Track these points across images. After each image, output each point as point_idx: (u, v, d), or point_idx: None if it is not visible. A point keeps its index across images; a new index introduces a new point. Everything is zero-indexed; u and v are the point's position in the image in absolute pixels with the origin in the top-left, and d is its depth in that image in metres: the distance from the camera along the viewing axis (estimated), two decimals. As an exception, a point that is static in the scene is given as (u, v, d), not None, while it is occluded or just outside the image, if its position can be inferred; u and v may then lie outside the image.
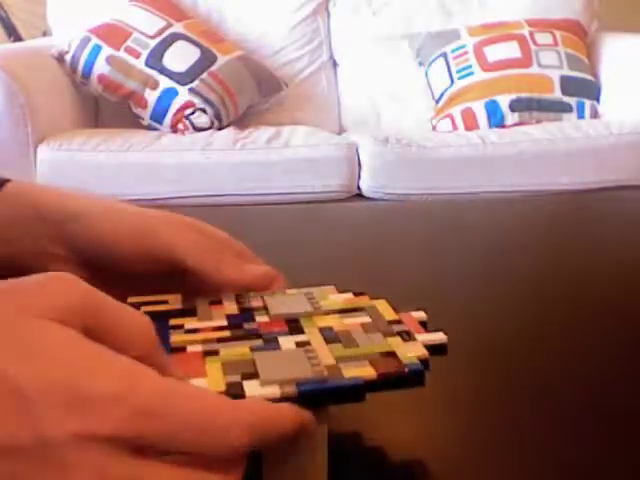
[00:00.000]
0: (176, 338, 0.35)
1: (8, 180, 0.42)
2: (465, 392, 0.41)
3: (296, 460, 0.31)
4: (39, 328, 0.26)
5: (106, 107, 2.53)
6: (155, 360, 0.28)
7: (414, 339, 0.35)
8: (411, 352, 0.34)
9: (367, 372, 0.32)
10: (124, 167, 2.15)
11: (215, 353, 0.34)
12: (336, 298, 0.40)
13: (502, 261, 0.62)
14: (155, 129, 2.38)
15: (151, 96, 2.37)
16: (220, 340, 0.35)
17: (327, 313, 0.38)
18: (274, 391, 0.30)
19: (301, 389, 0.31)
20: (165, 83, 2.37)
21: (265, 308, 0.39)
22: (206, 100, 2.35)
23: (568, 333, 0.48)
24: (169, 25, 2.47)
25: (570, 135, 2.21)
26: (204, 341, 0.35)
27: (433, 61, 2.55)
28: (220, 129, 2.34)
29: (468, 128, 2.37)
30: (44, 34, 2.86)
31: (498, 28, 2.54)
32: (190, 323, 0.37)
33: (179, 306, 0.39)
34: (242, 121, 2.46)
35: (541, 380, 0.42)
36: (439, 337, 0.36)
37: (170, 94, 2.36)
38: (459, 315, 0.51)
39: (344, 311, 0.38)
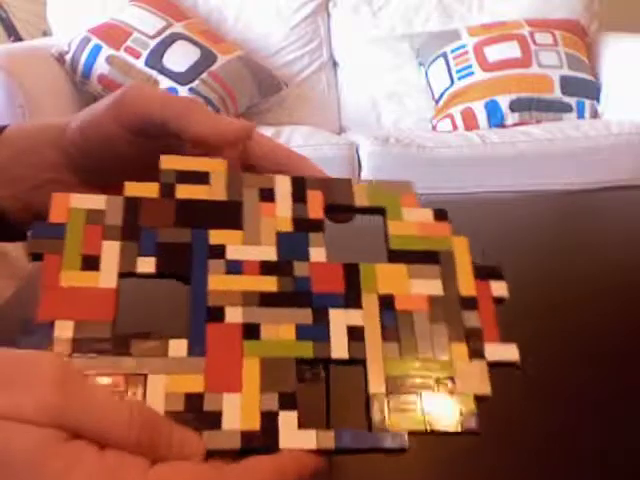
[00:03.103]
0: (214, 285, 0.31)
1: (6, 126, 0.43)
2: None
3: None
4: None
5: (106, 107, 2.52)
6: (159, 441, 0.28)
7: (481, 356, 0.30)
8: (469, 394, 0.29)
9: (418, 426, 0.28)
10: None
11: (256, 332, 0.30)
12: (412, 217, 0.34)
13: (502, 261, 0.62)
14: (155, 129, 2.38)
15: (151, 96, 2.37)
16: (263, 299, 0.31)
17: (395, 256, 0.32)
18: (310, 442, 0.28)
19: (339, 445, 0.28)
20: (165, 83, 2.37)
21: (322, 228, 0.33)
22: (206, 100, 2.35)
23: (568, 333, 0.48)
24: (169, 25, 2.47)
25: (570, 135, 2.21)
26: (245, 296, 0.30)
27: (433, 61, 2.55)
28: (220, 129, 2.34)
29: (468, 128, 2.37)
30: (44, 34, 2.85)
31: (498, 28, 2.54)
32: (233, 245, 0.31)
33: (222, 196, 0.33)
34: (242, 121, 2.46)
35: (541, 380, 0.42)
36: (510, 354, 0.31)
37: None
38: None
39: (415, 257, 0.32)
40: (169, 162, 0.34)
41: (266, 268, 0.31)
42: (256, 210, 0.33)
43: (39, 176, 0.41)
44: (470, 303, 0.32)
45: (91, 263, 0.31)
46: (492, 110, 2.38)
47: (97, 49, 2.39)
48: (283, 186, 0.35)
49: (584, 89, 2.45)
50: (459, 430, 0.28)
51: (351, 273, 0.31)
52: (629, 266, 0.62)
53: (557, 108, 2.40)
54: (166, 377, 0.28)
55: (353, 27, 2.67)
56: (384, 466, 0.35)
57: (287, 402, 0.28)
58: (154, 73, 2.38)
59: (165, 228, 0.32)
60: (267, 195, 0.34)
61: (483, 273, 0.34)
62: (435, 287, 0.32)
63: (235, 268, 0.31)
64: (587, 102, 2.42)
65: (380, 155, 2.19)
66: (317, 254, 0.32)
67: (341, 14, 2.68)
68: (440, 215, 0.35)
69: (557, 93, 2.41)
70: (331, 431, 0.28)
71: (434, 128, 2.47)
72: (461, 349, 0.30)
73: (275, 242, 0.32)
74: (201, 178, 0.34)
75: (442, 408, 0.28)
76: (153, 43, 2.41)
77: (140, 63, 2.38)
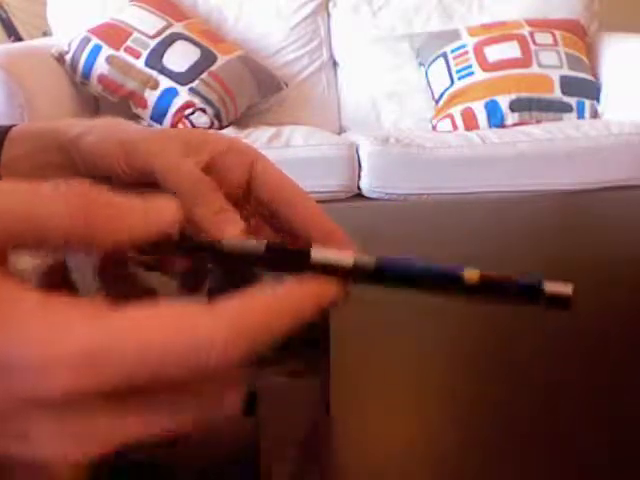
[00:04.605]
0: None
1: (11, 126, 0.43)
2: (467, 391, 0.41)
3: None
4: None
5: (106, 107, 2.53)
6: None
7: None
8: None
9: (471, 274, 0.27)
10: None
11: None
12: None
13: (502, 261, 0.62)
14: (155, 129, 2.38)
15: (151, 96, 2.37)
16: None
17: None
18: (346, 259, 0.26)
19: (379, 264, 0.26)
20: (165, 83, 2.37)
21: None
22: (206, 100, 2.35)
23: (567, 333, 0.48)
24: (169, 25, 2.47)
25: (570, 135, 2.21)
26: None
27: (433, 61, 2.55)
28: (220, 129, 2.34)
29: (468, 128, 2.37)
30: (44, 34, 2.85)
31: (498, 28, 2.54)
32: None
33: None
34: (242, 121, 2.46)
35: (540, 380, 0.42)
36: (566, 289, 0.30)
37: (170, 94, 2.36)
38: (458, 315, 0.51)
39: None
40: None
41: None
42: None
43: (46, 176, 0.41)
44: None
45: None
46: (492, 110, 2.38)
47: (97, 49, 2.39)
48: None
49: (584, 89, 2.45)
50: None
51: None
52: (630, 266, 0.62)
53: (557, 108, 2.40)
54: None
55: (353, 27, 2.67)
56: (383, 465, 0.35)
57: None
58: (154, 73, 2.38)
59: None
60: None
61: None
62: None
63: None
64: (587, 102, 2.43)
65: (380, 155, 2.19)
66: None
67: (341, 14, 2.68)
68: None
69: (557, 93, 2.41)
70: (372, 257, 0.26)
71: (434, 128, 2.47)
72: None
73: None
74: None
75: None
76: (153, 43, 2.41)
77: (140, 63, 2.38)
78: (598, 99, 2.46)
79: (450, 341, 0.36)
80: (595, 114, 2.43)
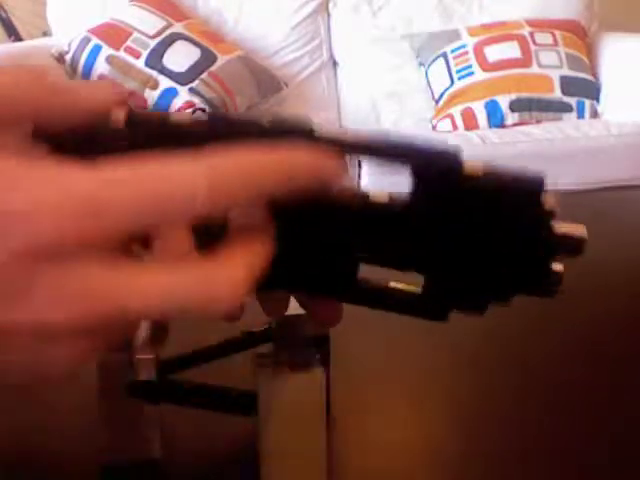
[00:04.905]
0: None
1: None
2: (467, 391, 0.41)
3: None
4: None
5: (106, 107, 2.53)
6: None
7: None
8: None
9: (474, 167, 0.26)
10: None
11: None
12: None
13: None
14: (155, 129, 2.38)
15: (151, 96, 2.37)
16: None
17: None
18: (348, 134, 0.26)
19: (382, 139, 0.26)
20: (165, 83, 2.37)
21: None
22: (206, 100, 2.35)
23: (567, 333, 0.48)
24: (169, 25, 2.47)
25: (570, 135, 2.21)
26: None
27: (433, 61, 2.55)
28: (220, 129, 2.34)
29: (468, 128, 2.37)
30: (44, 34, 2.85)
31: (498, 28, 2.54)
32: None
33: None
34: (242, 121, 2.46)
35: (541, 382, 0.42)
36: (580, 231, 0.29)
37: (170, 94, 2.36)
38: (460, 316, 0.51)
39: None
40: None
41: None
42: None
43: None
44: None
45: None
46: (492, 110, 2.38)
47: (97, 49, 2.39)
48: None
49: (584, 89, 2.45)
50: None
51: None
52: (629, 266, 0.62)
53: (557, 108, 2.40)
54: None
55: (353, 27, 2.67)
56: (383, 465, 0.35)
57: None
58: (154, 73, 2.38)
59: None
60: None
61: None
62: None
63: None
64: (587, 102, 2.43)
65: (380, 155, 2.19)
66: None
67: (341, 14, 2.68)
68: None
69: (557, 93, 2.41)
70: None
71: (434, 128, 2.47)
72: None
73: None
74: None
75: None
76: (153, 43, 2.41)
77: (140, 63, 2.38)
78: (598, 99, 2.46)
79: (451, 341, 0.36)
80: (595, 114, 2.43)
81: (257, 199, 0.26)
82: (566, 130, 2.23)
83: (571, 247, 0.29)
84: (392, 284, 0.29)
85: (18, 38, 2.91)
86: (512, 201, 0.28)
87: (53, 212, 0.22)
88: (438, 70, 2.53)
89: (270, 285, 0.27)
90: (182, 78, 2.37)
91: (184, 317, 0.25)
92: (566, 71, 2.44)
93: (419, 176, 0.27)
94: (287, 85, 2.60)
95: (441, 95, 2.51)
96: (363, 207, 0.28)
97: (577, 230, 0.29)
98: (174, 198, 0.23)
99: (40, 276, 0.23)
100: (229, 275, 0.25)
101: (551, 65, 2.45)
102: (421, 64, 2.60)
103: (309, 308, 0.32)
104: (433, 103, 2.55)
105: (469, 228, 0.28)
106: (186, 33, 2.47)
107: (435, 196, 0.28)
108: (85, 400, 0.39)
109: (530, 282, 0.28)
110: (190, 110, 2.34)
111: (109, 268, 0.24)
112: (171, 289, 0.24)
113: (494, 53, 2.47)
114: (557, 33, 2.52)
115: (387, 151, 0.27)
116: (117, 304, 0.24)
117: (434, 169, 0.27)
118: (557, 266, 0.28)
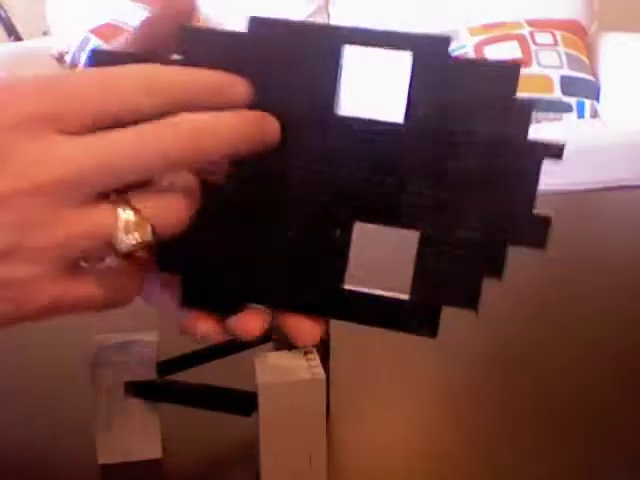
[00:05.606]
0: None
1: None
2: (467, 391, 0.41)
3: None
4: None
5: (106, 107, 2.53)
6: None
7: None
8: None
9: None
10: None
11: None
12: None
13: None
14: (155, 129, 2.38)
15: (151, 96, 2.37)
16: None
17: None
18: None
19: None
20: (165, 83, 2.37)
21: None
22: (206, 100, 2.35)
23: (566, 332, 0.48)
24: (169, 25, 2.47)
25: (570, 135, 2.21)
26: None
27: (433, 61, 2.55)
28: (220, 129, 2.34)
29: (468, 128, 2.37)
30: (44, 34, 2.85)
31: (498, 28, 2.54)
32: None
33: None
34: (242, 121, 2.46)
35: (540, 381, 0.42)
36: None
37: (170, 94, 2.36)
38: (458, 314, 0.51)
39: None
40: None
41: None
42: None
43: None
44: None
45: None
46: (492, 110, 2.38)
47: (97, 49, 2.39)
48: None
49: (584, 89, 2.45)
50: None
51: None
52: (629, 266, 0.62)
53: (557, 108, 2.40)
54: None
55: (353, 27, 2.67)
56: (383, 465, 0.35)
57: None
58: (154, 73, 2.38)
59: None
60: None
61: None
62: None
63: None
64: (587, 102, 2.43)
65: (380, 155, 2.19)
66: None
67: (341, 14, 2.68)
68: None
69: (557, 93, 2.41)
70: None
71: (434, 128, 2.47)
72: None
73: None
74: None
75: None
76: (153, 43, 2.42)
77: (140, 63, 2.38)
78: (598, 99, 2.46)
79: (451, 341, 0.36)
80: (595, 114, 2.43)
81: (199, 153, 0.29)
82: (566, 130, 2.23)
83: (554, 151, 0.31)
84: (377, 291, 0.29)
85: (18, 38, 2.91)
86: (490, 76, 0.31)
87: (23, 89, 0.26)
88: (438, 70, 2.53)
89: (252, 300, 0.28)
90: (182, 78, 2.37)
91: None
92: (566, 71, 2.45)
93: (416, 58, 0.29)
94: (287, 85, 2.60)
95: (441, 95, 2.51)
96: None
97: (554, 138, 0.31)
98: (120, 88, 0.27)
99: (14, 146, 0.25)
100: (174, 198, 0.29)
101: (551, 65, 2.45)
102: (421, 64, 2.61)
103: (288, 326, 0.31)
104: (433, 103, 2.55)
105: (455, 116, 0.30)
106: (186, 33, 2.47)
107: (428, 72, 0.29)
108: (85, 400, 0.39)
109: (518, 215, 0.29)
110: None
111: (69, 138, 0.26)
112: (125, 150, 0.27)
113: (494, 53, 2.48)
114: (557, 33, 2.52)
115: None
116: (74, 166, 0.26)
117: (430, 49, 0.29)
118: (545, 211, 0.30)
